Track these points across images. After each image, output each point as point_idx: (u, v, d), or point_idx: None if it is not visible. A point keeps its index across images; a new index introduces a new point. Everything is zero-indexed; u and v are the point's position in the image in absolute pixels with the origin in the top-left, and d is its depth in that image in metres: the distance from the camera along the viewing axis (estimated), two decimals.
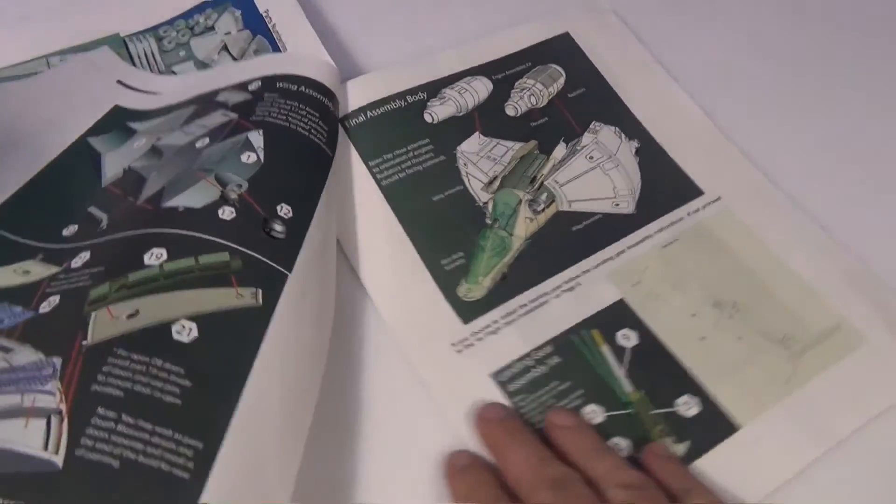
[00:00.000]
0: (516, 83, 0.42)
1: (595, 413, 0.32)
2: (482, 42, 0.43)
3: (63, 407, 0.27)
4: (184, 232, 0.32)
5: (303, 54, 0.41)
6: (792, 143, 0.42)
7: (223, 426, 0.26)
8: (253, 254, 0.31)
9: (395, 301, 0.34)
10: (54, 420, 0.26)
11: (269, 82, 0.39)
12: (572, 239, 0.37)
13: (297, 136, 0.36)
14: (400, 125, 0.39)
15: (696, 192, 0.39)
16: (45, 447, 0.26)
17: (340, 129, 0.38)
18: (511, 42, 0.44)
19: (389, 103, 0.39)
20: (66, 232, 0.35)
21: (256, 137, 0.36)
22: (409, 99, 0.40)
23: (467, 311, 0.34)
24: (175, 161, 0.37)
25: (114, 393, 0.27)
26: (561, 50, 0.44)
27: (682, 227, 0.38)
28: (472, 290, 0.35)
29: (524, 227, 0.37)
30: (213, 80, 0.41)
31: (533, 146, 0.40)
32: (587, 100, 0.42)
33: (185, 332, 0.28)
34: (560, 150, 0.40)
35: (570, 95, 0.42)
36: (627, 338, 0.34)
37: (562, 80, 0.42)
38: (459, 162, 0.38)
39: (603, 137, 0.41)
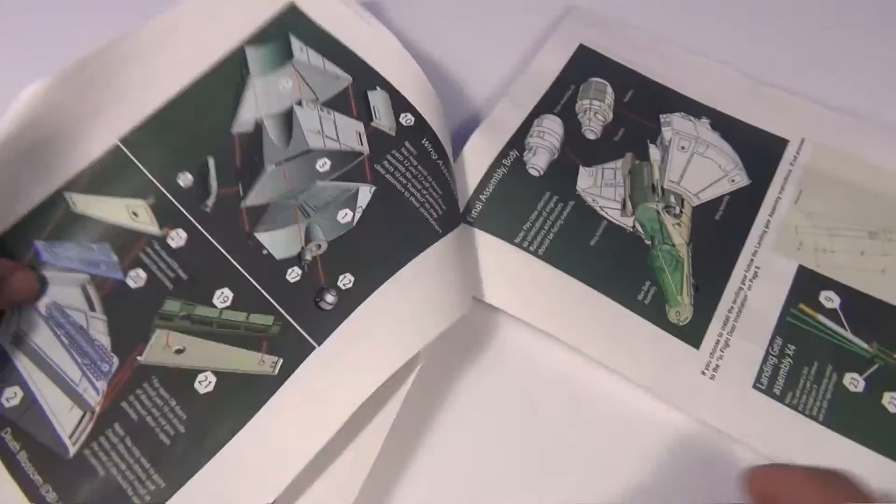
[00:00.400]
0: (576, 108, 0.42)
1: (855, 381, 0.33)
2: (521, 83, 0.43)
3: (98, 409, 0.31)
4: (254, 283, 0.34)
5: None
6: (828, 63, 0.45)
7: (188, 474, 0.29)
8: (292, 322, 0.33)
9: (622, 357, 0.33)
10: (87, 416, 0.31)
11: (418, 130, 0.38)
12: (721, 227, 0.38)
13: (405, 205, 0.35)
14: (516, 191, 0.38)
15: (781, 142, 0.41)
16: (71, 436, 0.30)
17: (469, 228, 0.37)
18: (543, 74, 0.43)
19: (492, 178, 0.38)
20: (179, 179, 0.36)
21: (365, 194, 0.35)
22: (506, 163, 0.39)
23: (690, 335, 0.34)
24: (293, 171, 0.36)
25: (132, 415, 0.31)
26: (588, 62, 0.44)
27: (795, 178, 0.39)
28: (679, 311, 0.34)
29: (678, 233, 0.37)
30: (377, 56, 0.40)
31: (631, 158, 0.40)
32: (640, 98, 0.43)
33: (206, 383, 0.31)
34: (654, 152, 0.40)
35: (626, 100, 0.43)
36: (830, 299, 0.35)
37: (610, 90, 0.43)
38: (588, 200, 0.38)
39: (678, 125, 0.42)
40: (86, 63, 0.36)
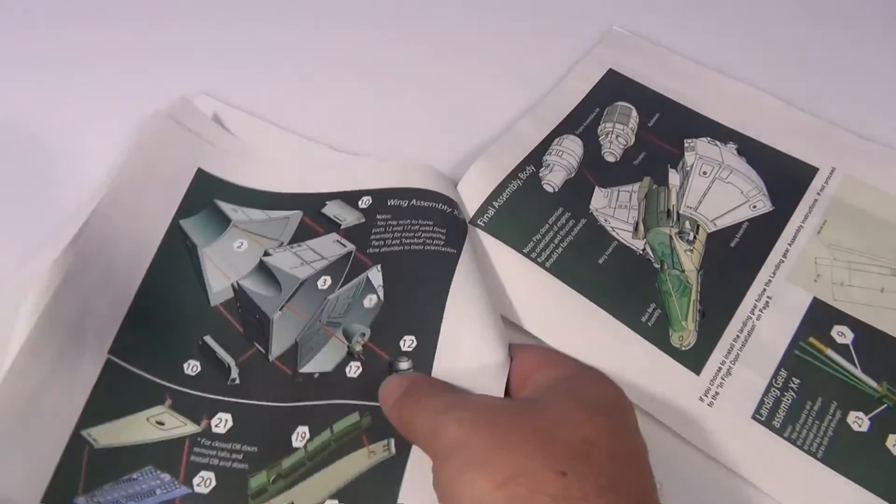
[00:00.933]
0: (598, 130, 0.42)
1: (860, 420, 0.31)
2: (547, 102, 0.43)
3: None
4: (320, 403, 0.32)
5: (410, 163, 0.39)
6: (862, 92, 0.43)
7: None
8: (377, 404, 0.31)
9: (622, 373, 0.33)
10: None
11: (379, 198, 0.38)
12: (736, 254, 0.37)
13: (413, 258, 0.35)
14: (528, 204, 0.38)
15: (811, 170, 0.40)
16: None
17: (477, 231, 0.37)
18: (569, 94, 0.44)
19: (506, 188, 0.39)
20: (188, 370, 0.34)
21: (376, 275, 0.35)
22: (521, 177, 0.39)
23: (692, 360, 0.33)
24: (300, 305, 0.35)
25: None
26: (616, 86, 0.44)
27: (821, 207, 0.38)
28: (683, 336, 0.34)
29: (688, 259, 0.37)
30: (312, 180, 0.40)
31: (648, 182, 0.40)
32: (666, 122, 0.43)
33: None
34: (674, 177, 0.40)
35: (650, 124, 0.43)
36: (843, 335, 0.34)
37: (634, 114, 0.43)
38: (600, 220, 0.38)
39: (702, 150, 0.41)
40: (52, 308, 0.32)
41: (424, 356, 0.32)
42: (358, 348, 0.34)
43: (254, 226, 0.38)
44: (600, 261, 0.36)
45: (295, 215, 0.39)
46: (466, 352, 0.32)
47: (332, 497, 0.29)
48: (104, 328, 0.34)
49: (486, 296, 0.33)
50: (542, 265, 0.36)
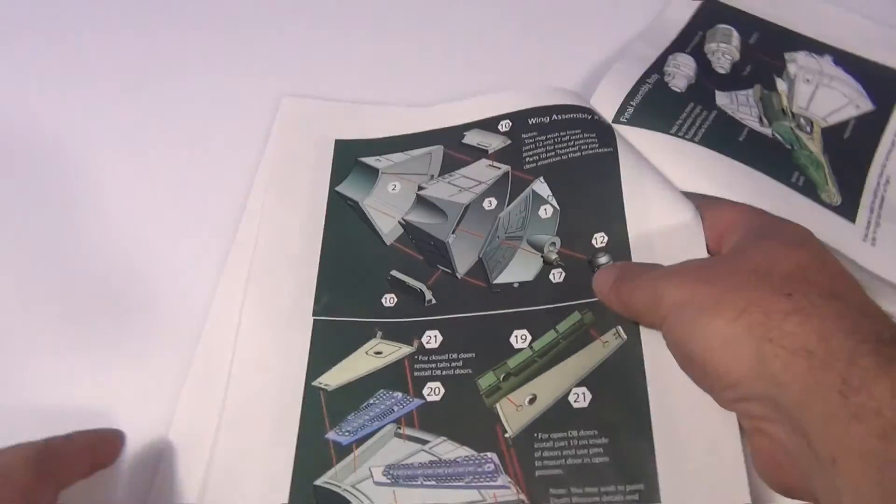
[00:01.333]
0: (704, 50, 0.46)
1: None
2: (652, 29, 0.47)
3: (523, 497, 0.30)
4: (533, 308, 0.34)
5: (534, 87, 0.43)
6: None
7: (652, 462, 0.29)
8: (595, 299, 0.33)
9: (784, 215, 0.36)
10: None
11: (518, 120, 0.41)
12: (851, 145, 0.41)
13: (574, 164, 0.38)
14: (663, 100, 0.41)
15: None
16: None
17: (622, 127, 0.40)
18: (671, 24, 0.48)
19: (639, 91, 0.42)
20: (386, 303, 0.37)
21: (541, 187, 0.38)
22: (650, 82, 0.43)
23: (844, 213, 0.37)
24: (472, 225, 0.38)
25: (554, 472, 0.30)
26: (715, 12, 0.49)
27: None
28: (830, 195, 0.38)
29: (812, 144, 0.40)
30: (444, 116, 0.43)
31: (759, 89, 0.44)
32: (765, 41, 0.47)
33: (581, 398, 0.31)
34: (780, 84, 0.44)
35: (751, 42, 0.47)
36: None
37: (735, 33, 0.47)
38: (728, 112, 0.41)
39: (802, 61, 0.45)
40: (253, 297, 0.37)
41: (620, 247, 0.35)
42: (553, 256, 0.36)
43: (398, 167, 0.41)
44: (741, 139, 0.40)
45: (437, 150, 0.42)
46: (657, 228, 0.34)
47: (579, 385, 0.32)
48: (302, 298, 0.37)
49: (655, 175, 0.36)
50: (692, 139, 0.39)
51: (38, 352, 0.37)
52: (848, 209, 0.37)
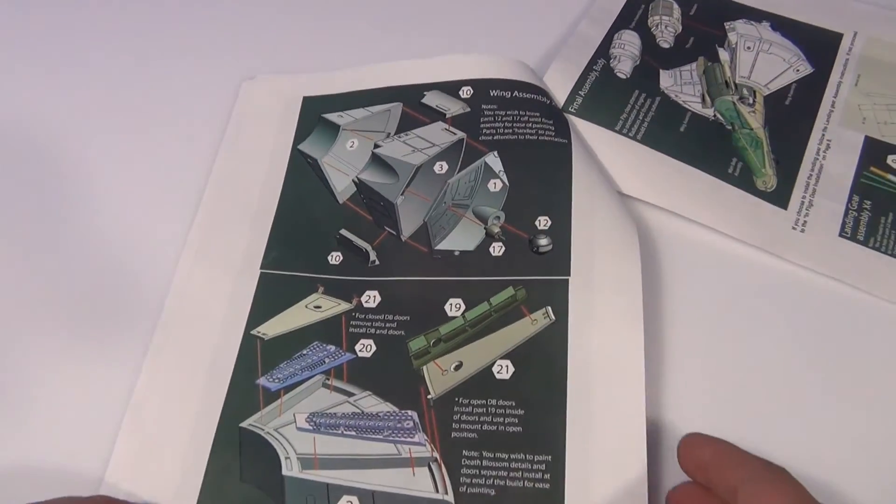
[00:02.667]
0: (648, 23, 0.47)
1: None
2: (597, 6, 0.48)
3: (437, 455, 0.31)
4: (470, 278, 0.36)
5: (498, 57, 0.44)
6: None
7: (562, 437, 0.31)
8: (530, 277, 0.35)
9: (718, 218, 0.38)
10: (434, 467, 0.31)
11: (480, 88, 0.42)
12: (792, 110, 0.43)
13: (528, 146, 0.40)
14: (608, 90, 0.43)
15: (836, 36, 0.46)
16: (436, 490, 0.31)
17: (571, 117, 0.42)
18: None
19: (586, 80, 0.43)
20: (332, 260, 0.38)
21: (494, 161, 0.39)
22: (596, 69, 0.44)
23: (777, 199, 0.39)
24: (421, 188, 0.39)
25: (469, 436, 0.31)
26: None
27: (852, 66, 0.45)
28: (765, 181, 0.40)
29: (753, 119, 0.42)
30: (407, 73, 0.44)
31: (703, 61, 0.45)
32: (704, 11, 0.48)
33: (505, 370, 0.33)
34: (723, 54, 0.45)
35: (691, 13, 0.48)
36: None
37: (675, 5, 0.48)
38: (671, 96, 0.43)
39: (742, 29, 0.47)
40: (202, 243, 0.39)
41: (561, 234, 0.36)
42: (496, 230, 0.37)
43: (358, 123, 0.42)
44: (681, 129, 0.42)
45: (395, 107, 0.43)
46: (599, 231, 0.36)
47: (504, 357, 0.34)
48: (252, 249, 0.39)
49: (604, 181, 0.38)
50: (633, 138, 0.41)
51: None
52: (782, 193, 0.39)
